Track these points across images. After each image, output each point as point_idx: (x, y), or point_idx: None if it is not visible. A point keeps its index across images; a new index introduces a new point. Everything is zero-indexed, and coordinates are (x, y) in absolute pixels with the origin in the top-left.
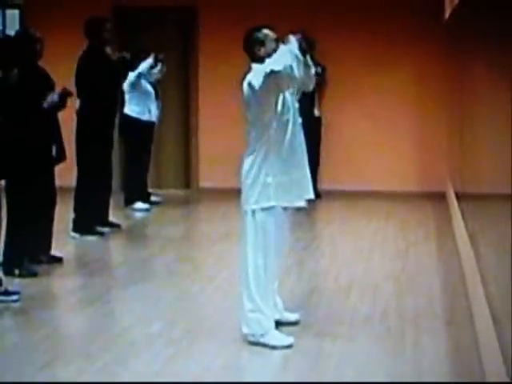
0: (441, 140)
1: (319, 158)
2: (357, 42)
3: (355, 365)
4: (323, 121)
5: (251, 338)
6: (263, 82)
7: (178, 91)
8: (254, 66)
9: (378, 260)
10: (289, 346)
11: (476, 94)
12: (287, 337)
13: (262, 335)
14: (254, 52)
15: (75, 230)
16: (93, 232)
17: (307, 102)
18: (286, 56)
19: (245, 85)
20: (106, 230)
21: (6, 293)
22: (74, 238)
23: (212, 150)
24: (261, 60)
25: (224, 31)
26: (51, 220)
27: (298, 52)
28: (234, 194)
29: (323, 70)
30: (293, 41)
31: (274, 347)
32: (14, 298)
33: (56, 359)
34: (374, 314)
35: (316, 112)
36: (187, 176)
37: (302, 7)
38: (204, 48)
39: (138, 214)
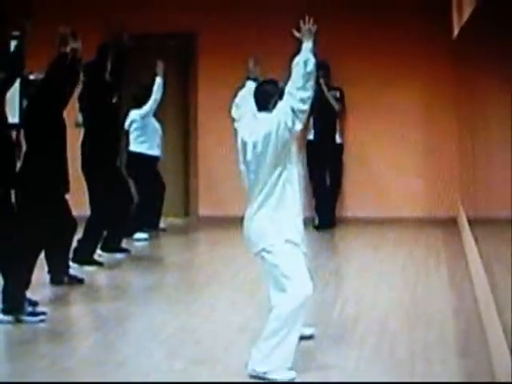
0: (452, 163)
1: (340, 185)
2: (368, 63)
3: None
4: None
5: (252, 372)
6: (293, 120)
7: (178, 117)
8: (264, 116)
9: (387, 289)
10: (290, 381)
11: (488, 115)
12: (289, 371)
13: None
14: (274, 102)
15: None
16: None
17: (329, 128)
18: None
19: (256, 139)
20: (119, 256)
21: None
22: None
23: (212, 178)
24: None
25: (223, 56)
26: (67, 245)
27: (311, 64)
28: (234, 221)
29: (341, 94)
30: (306, 49)
31: (275, 381)
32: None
33: None
34: (382, 346)
35: (338, 139)
36: (186, 204)
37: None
38: (203, 74)
39: (138, 244)
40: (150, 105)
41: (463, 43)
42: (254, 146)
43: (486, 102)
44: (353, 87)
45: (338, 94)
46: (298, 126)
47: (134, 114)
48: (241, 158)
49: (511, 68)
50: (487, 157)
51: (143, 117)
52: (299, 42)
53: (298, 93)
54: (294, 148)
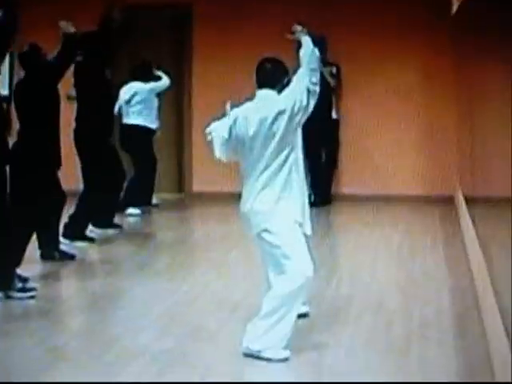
0: (450, 141)
1: (336, 162)
2: (367, 39)
3: (357, 379)
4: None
5: (246, 350)
6: (308, 100)
7: (171, 92)
8: (269, 93)
9: (383, 267)
10: (285, 360)
11: (487, 92)
12: (283, 350)
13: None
14: (281, 80)
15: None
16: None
17: (325, 104)
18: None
19: (265, 115)
20: (111, 231)
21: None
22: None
23: (205, 153)
24: (278, 88)
25: (219, 27)
26: (57, 219)
27: (316, 59)
28: (227, 198)
29: (338, 69)
30: (307, 41)
31: (269, 360)
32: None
33: (46, 368)
34: (377, 326)
35: (334, 115)
36: (180, 180)
37: (309, 7)
38: (199, 47)
39: (130, 220)
40: (163, 83)
41: (462, 19)
42: (261, 122)
43: (485, 80)
44: (350, 63)
45: (334, 70)
46: (311, 107)
47: (139, 88)
48: (233, 135)
49: (510, 44)
50: (486, 135)
51: (151, 91)
52: (298, 43)
53: (311, 75)
54: (299, 131)
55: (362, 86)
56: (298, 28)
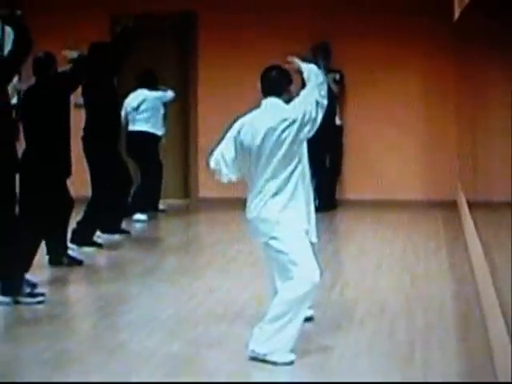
0: (451, 145)
1: (340, 167)
2: (369, 46)
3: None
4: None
5: (252, 353)
6: (317, 112)
7: (178, 101)
8: (276, 102)
9: (386, 272)
10: (290, 363)
11: (488, 98)
12: (289, 353)
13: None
14: (287, 89)
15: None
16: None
17: (328, 110)
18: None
19: (273, 125)
20: (116, 237)
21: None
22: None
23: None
24: (284, 97)
25: (223, 35)
26: (65, 225)
27: (322, 75)
28: (234, 203)
29: (341, 76)
30: (307, 68)
31: (274, 363)
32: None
33: (54, 373)
34: (381, 329)
35: (337, 121)
36: (186, 185)
37: (312, 14)
38: (203, 55)
39: (137, 225)
40: (169, 94)
41: (464, 26)
42: (269, 131)
43: (486, 87)
44: (353, 69)
45: (337, 77)
46: (319, 120)
47: (147, 95)
48: (238, 146)
49: (511, 51)
50: (487, 139)
51: (158, 99)
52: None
53: (320, 88)
54: (305, 144)
55: (365, 93)
56: (294, 59)
